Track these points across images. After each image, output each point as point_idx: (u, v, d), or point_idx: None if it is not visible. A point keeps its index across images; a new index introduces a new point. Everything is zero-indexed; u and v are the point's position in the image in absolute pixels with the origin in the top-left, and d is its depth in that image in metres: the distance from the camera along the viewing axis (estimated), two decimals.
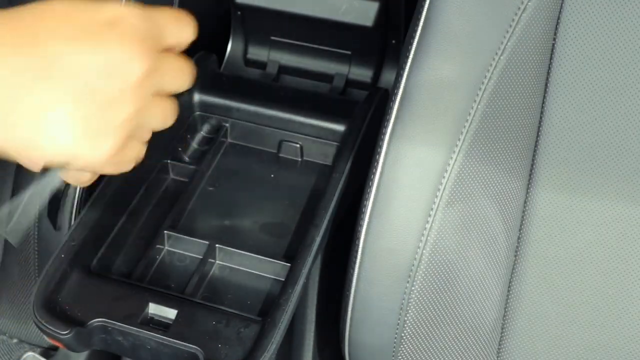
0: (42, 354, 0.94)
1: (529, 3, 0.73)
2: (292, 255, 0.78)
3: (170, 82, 0.61)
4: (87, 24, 0.56)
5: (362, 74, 1.03)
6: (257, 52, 1.06)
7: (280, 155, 0.91)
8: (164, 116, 0.62)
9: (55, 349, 0.94)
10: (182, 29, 0.62)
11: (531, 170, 0.78)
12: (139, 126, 0.60)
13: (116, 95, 0.56)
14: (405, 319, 0.77)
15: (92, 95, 0.55)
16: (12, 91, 0.54)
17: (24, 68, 0.54)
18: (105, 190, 0.79)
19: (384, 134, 0.76)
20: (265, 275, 0.79)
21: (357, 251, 0.77)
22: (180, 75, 0.62)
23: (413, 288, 0.76)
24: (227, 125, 0.92)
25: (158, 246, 0.80)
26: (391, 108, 0.76)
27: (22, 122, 0.55)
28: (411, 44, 0.76)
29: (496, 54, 0.74)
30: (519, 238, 0.80)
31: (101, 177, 0.81)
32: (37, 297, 0.71)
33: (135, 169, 0.82)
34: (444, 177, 0.74)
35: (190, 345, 0.69)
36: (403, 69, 0.76)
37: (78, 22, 0.56)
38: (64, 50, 0.55)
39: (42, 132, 0.55)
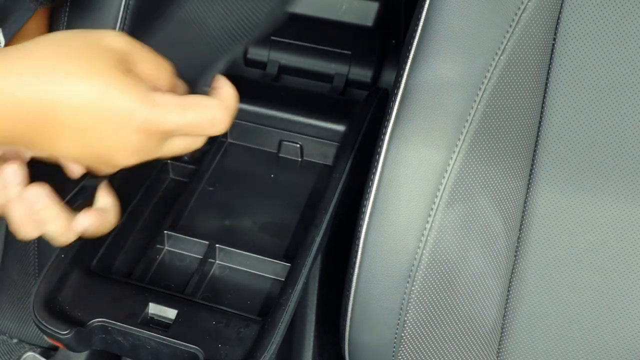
0: (42, 354, 0.94)
1: (529, 3, 0.73)
2: (292, 255, 0.78)
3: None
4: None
5: (362, 74, 1.03)
6: (257, 52, 1.06)
7: (280, 155, 0.91)
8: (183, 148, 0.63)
9: (55, 349, 0.94)
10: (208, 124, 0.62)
11: (531, 170, 0.78)
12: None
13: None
14: (405, 318, 0.77)
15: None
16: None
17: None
18: None
19: (384, 134, 0.76)
20: (265, 275, 0.79)
21: (357, 251, 0.77)
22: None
23: (413, 288, 0.76)
24: None
25: (158, 246, 0.80)
26: (391, 108, 0.76)
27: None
28: (411, 44, 0.76)
29: (496, 54, 0.74)
30: (519, 238, 0.80)
31: None
32: (37, 297, 0.71)
33: (135, 168, 0.82)
34: (444, 177, 0.74)
35: (190, 345, 0.69)
36: (403, 69, 0.76)
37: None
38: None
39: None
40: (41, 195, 0.64)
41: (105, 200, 0.69)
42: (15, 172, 0.64)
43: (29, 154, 0.68)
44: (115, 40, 0.60)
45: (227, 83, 0.64)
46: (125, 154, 0.60)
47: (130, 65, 0.59)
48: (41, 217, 0.65)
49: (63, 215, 0.65)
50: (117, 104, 0.57)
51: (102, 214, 0.68)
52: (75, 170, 0.66)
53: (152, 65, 0.61)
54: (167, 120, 0.59)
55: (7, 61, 0.57)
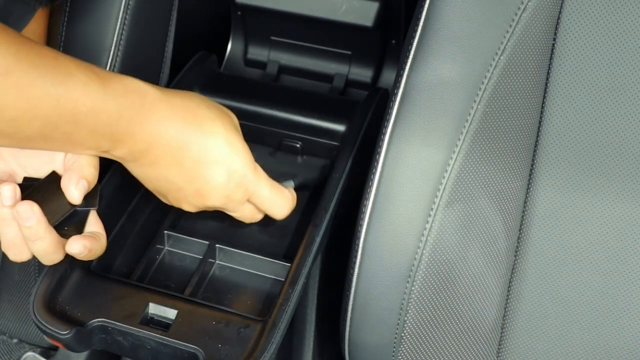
0: (42, 354, 0.94)
1: (529, 3, 0.73)
2: (292, 255, 0.78)
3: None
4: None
5: (362, 74, 1.03)
6: (257, 52, 1.06)
7: (280, 154, 0.91)
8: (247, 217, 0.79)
9: (55, 349, 0.94)
10: (278, 209, 0.79)
11: (531, 170, 0.78)
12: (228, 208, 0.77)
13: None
14: (405, 318, 0.77)
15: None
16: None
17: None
18: (105, 191, 0.79)
19: (384, 134, 0.76)
20: (265, 275, 0.79)
21: (357, 251, 0.77)
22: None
23: (413, 288, 0.76)
24: None
25: (158, 246, 0.80)
26: (391, 108, 0.76)
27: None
28: (411, 44, 0.76)
29: (496, 54, 0.74)
30: (519, 238, 0.80)
31: (101, 176, 0.81)
32: (37, 297, 0.71)
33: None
34: (444, 177, 0.74)
35: (190, 345, 0.69)
36: (403, 69, 0.76)
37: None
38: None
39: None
40: (32, 212, 0.66)
41: (95, 227, 0.72)
42: (10, 192, 0.67)
43: (22, 175, 0.72)
44: (234, 116, 0.77)
45: (293, 191, 0.80)
46: (218, 196, 0.74)
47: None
48: (31, 234, 0.67)
49: (52, 234, 0.68)
50: (236, 156, 0.73)
51: (92, 240, 0.70)
52: (74, 196, 0.69)
53: None
54: (258, 186, 0.75)
55: (169, 106, 0.70)
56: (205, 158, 0.72)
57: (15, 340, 0.98)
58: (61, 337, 0.69)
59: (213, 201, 0.75)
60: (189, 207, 0.76)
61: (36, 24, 0.85)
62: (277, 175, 0.82)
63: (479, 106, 0.74)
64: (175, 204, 0.76)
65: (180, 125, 0.70)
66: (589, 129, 0.77)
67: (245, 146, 0.75)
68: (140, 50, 0.88)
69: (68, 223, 0.70)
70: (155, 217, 0.82)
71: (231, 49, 1.08)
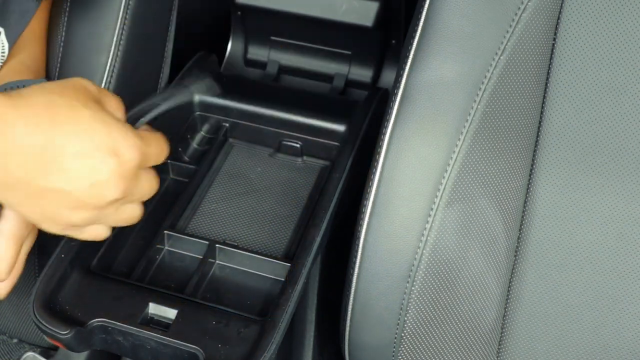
0: (42, 354, 0.94)
1: (529, 3, 0.73)
2: (292, 255, 0.78)
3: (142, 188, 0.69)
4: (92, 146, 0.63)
5: (362, 74, 1.04)
6: (257, 52, 1.07)
7: (280, 155, 0.91)
8: (147, 189, 0.69)
9: (55, 349, 0.94)
10: (162, 154, 0.70)
11: (531, 170, 0.78)
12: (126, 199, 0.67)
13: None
14: (405, 319, 0.77)
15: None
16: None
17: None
18: None
19: (384, 133, 0.76)
20: (265, 275, 0.79)
21: (357, 251, 0.77)
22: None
23: (413, 288, 0.76)
24: (227, 125, 0.92)
25: (158, 246, 0.80)
26: (391, 108, 0.76)
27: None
28: (411, 44, 0.76)
29: (496, 54, 0.74)
30: (519, 238, 0.80)
31: None
32: (37, 297, 0.71)
33: None
34: (444, 176, 0.74)
35: (190, 345, 0.69)
36: (403, 69, 0.76)
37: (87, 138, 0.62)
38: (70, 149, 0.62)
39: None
40: None
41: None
42: None
43: None
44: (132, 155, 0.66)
45: None
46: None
47: None
48: None
49: None
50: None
51: None
52: None
53: None
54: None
55: (15, 109, 0.59)
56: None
57: (15, 340, 0.98)
58: (61, 337, 0.69)
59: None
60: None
61: (37, 24, 0.85)
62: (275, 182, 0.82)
63: (479, 106, 0.74)
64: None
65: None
66: (589, 129, 0.77)
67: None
68: (140, 50, 0.88)
69: None
70: (155, 217, 0.82)
71: (231, 49, 1.08)
